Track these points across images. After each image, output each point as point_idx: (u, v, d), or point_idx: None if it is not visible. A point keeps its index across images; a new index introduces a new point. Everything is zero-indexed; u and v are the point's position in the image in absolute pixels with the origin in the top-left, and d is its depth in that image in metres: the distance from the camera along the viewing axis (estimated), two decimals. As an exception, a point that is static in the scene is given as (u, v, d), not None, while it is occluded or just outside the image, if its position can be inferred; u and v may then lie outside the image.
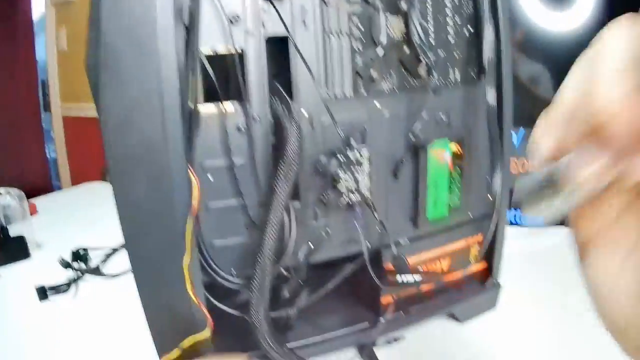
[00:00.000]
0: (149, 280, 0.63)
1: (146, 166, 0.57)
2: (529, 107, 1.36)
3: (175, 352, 0.59)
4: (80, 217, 1.62)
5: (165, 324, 0.64)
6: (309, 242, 0.69)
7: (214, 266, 0.64)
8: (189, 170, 0.57)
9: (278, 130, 0.63)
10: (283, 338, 0.72)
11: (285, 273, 0.68)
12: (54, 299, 1.06)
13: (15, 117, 2.92)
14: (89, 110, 2.65)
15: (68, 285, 1.10)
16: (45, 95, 3.36)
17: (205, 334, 0.60)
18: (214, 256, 0.65)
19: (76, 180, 3.09)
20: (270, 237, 0.59)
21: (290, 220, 0.64)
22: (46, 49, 3.25)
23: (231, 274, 0.66)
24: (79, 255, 1.23)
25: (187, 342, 0.60)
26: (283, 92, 0.63)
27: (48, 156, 3.42)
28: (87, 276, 1.16)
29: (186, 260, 0.58)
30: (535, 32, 1.34)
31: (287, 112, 0.61)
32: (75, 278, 1.14)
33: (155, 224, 0.59)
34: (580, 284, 0.94)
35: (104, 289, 1.11)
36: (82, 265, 1.20)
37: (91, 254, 1.25)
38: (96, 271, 1.18)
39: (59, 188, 3.26)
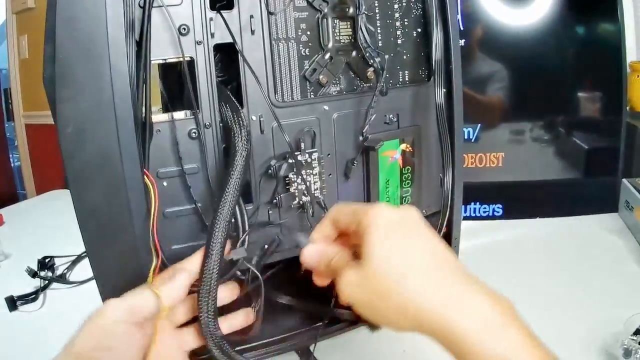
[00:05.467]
0: (111, 286, 0.63)
1: (103, 176, 0.58)
2: (485, 104, 1.40)
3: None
4: (46, 225, 1.63)
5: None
6: (265, 244, 0.71)
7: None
8: (145, 177, 0.59)
9: (228, 136, 0.64)
10: (241, 339, 0.73)
11: (241, 276, 0.70)
12: (23, 308, 1.07)
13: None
14: (50, 118, 2.59)
15: (36, 294, 1.11)
16: (8, 104, 3.33)
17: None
18: (173, 261, 0.66)
19: (40, 187, 3.07)
20: (217, 242, 0.60)
21: (242, 223, 0.66)
22: (8, 57, 3.21)
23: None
24: (45, 264, 1.23)
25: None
26: (232, 99, 0.65)
27: (12, 164, 3.40)
28: (54, 284, 1.17)
29: (154, 264, 0.60)
30: (493, 29, 1.37)
31: (235, 119, 0.63)
32: (43, 287, 1.14)
33: (114, 231, 0.60)
34: (539, 274, 0.97)
35: (70, 296, 1.12)
36: (49, 274, 1.21)
37: (57, 261, 1.26)
38: (62, 279, 1.19)
39: (24, 195, 3.24)
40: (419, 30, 0.80)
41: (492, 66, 1.39)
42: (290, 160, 0.68)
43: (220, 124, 0.66)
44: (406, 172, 0.80)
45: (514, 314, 0.51)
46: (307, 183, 0.70)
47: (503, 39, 1.38)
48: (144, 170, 0.60)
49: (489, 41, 1.37)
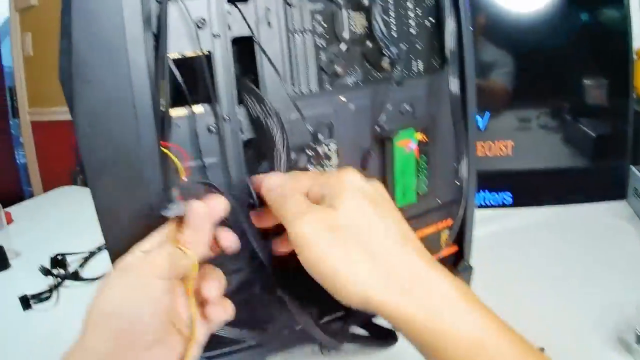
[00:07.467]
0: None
1: (122, 171, 0.58)
2: (493, 92, 1.40)
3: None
4: (55, 222, 1.63)
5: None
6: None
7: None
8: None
9: (255, 129, 0.65)
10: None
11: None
12: (37, 307, 1.07)
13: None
14: (55, 114, 2.65)
15: (50, 292, 1.11)
16: (13, 101, 3.33)
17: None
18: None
19: (47, 184, 3.08)
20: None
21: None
22: (12, 54, 3.21)
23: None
24: (58, 262, 1.23)
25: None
26: (256, 90, 0.65)
27: (18, 162, 3.40)
28: (67, 281, 1.17)
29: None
30: (497, 16, 1.37)
31: (264, 109, 0.63)
32: (56, 284, 1.14)
33: (134, 227, 0.60)
34: (549, 262, 0.96)
35: (84, 293, 1.11)
36: (62, 271, 1.21)
37: (69, 259, 1.26)
38: (75, 276, 1.19)
39: (30, 193, 3.24)
40: (432, 19, 0.80)
41: (498, 54, 1.39)
42: (308, 152, 0.69)
43: (240, 117, 0.66)
44: (422, 161, 0.80)
45: (474, 296, 0.50)
46: (326, 174, 0.70)
47: (508, 26, 1.37)
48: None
49: (494, 28, 1.37)
